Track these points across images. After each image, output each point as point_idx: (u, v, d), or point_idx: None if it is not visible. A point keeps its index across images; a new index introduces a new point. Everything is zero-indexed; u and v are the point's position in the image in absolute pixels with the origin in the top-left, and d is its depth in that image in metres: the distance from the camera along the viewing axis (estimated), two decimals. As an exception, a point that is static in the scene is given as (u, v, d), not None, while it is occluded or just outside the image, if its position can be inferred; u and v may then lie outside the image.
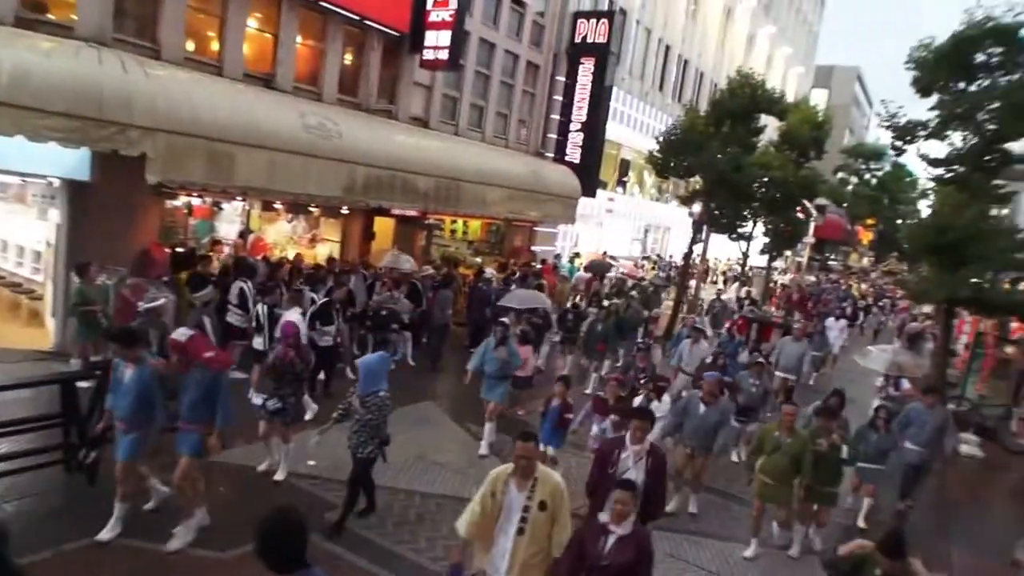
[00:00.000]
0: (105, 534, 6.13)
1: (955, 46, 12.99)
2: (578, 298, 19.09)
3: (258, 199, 13.53)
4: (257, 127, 11.34)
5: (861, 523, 9.02)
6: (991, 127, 13.03)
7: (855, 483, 9.14)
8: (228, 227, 14.09)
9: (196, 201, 13.05)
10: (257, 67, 13.08)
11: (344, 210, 15.34)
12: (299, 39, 13.77)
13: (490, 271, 16.89)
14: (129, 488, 6.28)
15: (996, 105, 12.80)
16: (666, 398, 9.14)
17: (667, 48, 30.16)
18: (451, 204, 16.11)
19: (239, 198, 13.15)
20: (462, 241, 21.02)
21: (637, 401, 9.00)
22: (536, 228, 22.09)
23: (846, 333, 19.18)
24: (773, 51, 41.73)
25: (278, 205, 14.43)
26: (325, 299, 11.01)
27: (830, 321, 19.21)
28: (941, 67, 13.27)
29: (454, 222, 20.38)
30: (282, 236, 15.34)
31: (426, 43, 15.60)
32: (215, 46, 12.41)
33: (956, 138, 13.76)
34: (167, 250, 11.92)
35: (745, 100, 20.15)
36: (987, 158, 13.52)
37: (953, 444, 9.69)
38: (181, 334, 6.29)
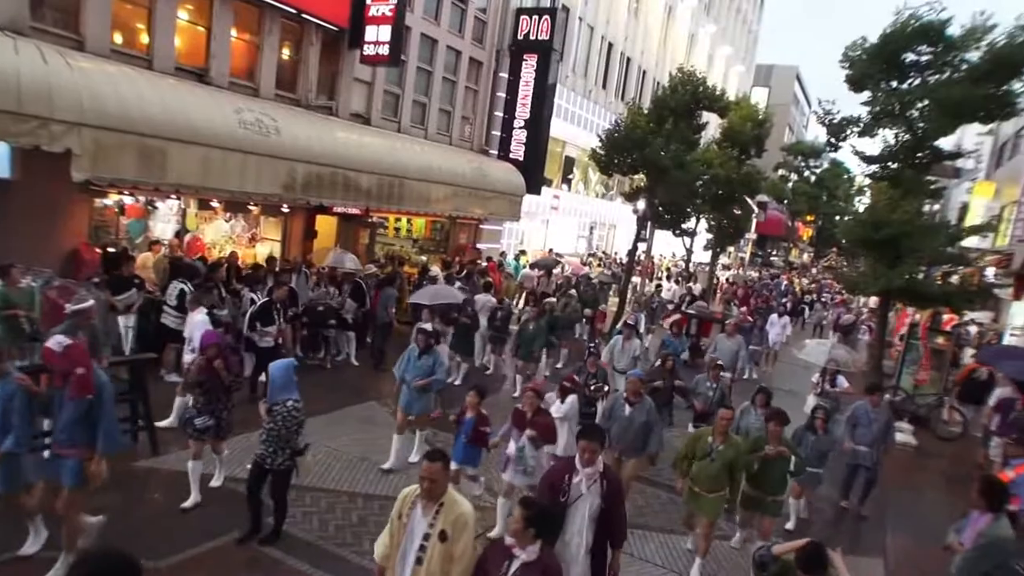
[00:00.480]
0: (28, 548, 5.84)
1: (885, 46, 13.35)
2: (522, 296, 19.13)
3: (193, 197, 13.14)
4: (190, 123, 11.00)
5: (803, 514, 9.02)
6: (921, 125, 13.41)
7: (796, 490, 8.76)
8: (164, 226, 13.63)
9: (128, 199, 12.60)
10: (189, 61, 12.70)
11: (284, 208, 15.05)
12: (234, 32, 13.40)
13: (435, 269, 16.76)
14: (35, 506, 5.85)
15: (925, 103, 13.19)
16: (570, 399, 8.59)
17: (610, 45, 30.37)
18: (394, 202, 15.91)
19: (173, 196, 12.75)
20: (406, 239, 20.83)
21: (553, 408, 8.52)
22: (481, 225, 22.03)
23: (789, 329, 19.07)
24: (714, 50, 42.41)
25: (215, 203, 14.03)
26: (266, 299, 10.77)
27: (773, 318, 19.17)
28: (874, 66, 13.61)
29: (398, 220, 20.19)
30: (220, 235, 14.92)
31: (366, 38, 15.39)
32: (144, 38, 11.99)
33: (889, 135, 14.14)
34: (97, 250, 11.49)
35: (687, 97, 20.39)
36: (919, 155, 13.92)
37: (892, 439, 9.82)
38: (56, 343, 5.48)
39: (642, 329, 15.79)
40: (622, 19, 30.82)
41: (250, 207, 14.77)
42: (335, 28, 15.24)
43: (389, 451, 8.90)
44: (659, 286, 22.45)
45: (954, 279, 14.84)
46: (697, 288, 26.34)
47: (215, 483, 7.56)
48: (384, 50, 15.30)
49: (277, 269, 13.07)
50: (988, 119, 14.32)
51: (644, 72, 34.35)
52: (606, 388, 10.01)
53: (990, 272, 24.62)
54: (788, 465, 7.33)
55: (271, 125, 12.47)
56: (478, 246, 21.76)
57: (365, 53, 15.57)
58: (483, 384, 8.45)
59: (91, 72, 9.95)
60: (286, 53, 14.74)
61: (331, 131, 14.57)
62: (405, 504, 4.45)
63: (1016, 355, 13.74)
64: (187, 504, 7.02)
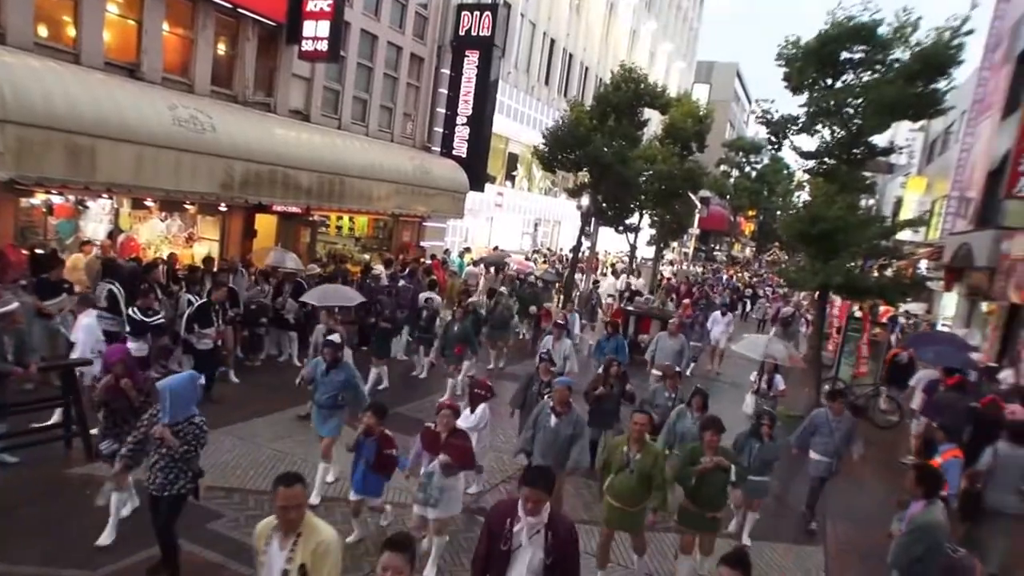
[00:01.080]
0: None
1: (822, 47, 13.75)
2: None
3: (126, 196, 12.77)
4: (121, 119, 10.72)
5: (746, 540, 8.25)
6: (856, 122, 13.84)
7: (738, 499, 8.18)
8: (96, 226, 13.21)
9: (57, 199, 12.17)
10: (120, 55, 12.34)
11: (222, 207, 14.73)
12: (166, 27, 13.06)
13: (378, 268, 16.64)
14: None
15: (860, 101, 13.62)
16: (481, 408, 7.98)
17: (552, 42, 30.52)
18: (335, 200, 15.78)
19: (105, 195, 12.37)
20: (349, 237, 20.62)
21: (465, 416, 7.79)
22: (425, 223, 21.93)
23: (732, 327, 18.52)
24: (655, 47, 42.99)
25: (150, 203, 13.67)
26: (203, 300, 10.55)
27: (716, 315, 18.55)
28: (809, 64, 13.99)
29: (340, 218, 19.95)
30: (156, 235, 14.53)
31: (304, 34, 15.20)
32: (71, 31, 11.60)
33: (825, 132, 14.54)
34: (24, 252, 11.08)
35: (628, 94, 20.66)
36: (854, 151, 14.36)
37: (859, 450, 9.13)
38: None
39: (577, 329, 15.51)
40: (564, 16, 31.01)
41: (186, 206, 14.43)
42: (272, 23, 14.98)
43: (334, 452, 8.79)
44: (596, 283, 22.52)
45: (889, 272, 15.31)
46: (640, 283, 26.67)
47: (104, 540, 6.35)
48: (323, 46, 15.13)
49: (215, 269, 12.80)
50: (918, 117, 14.86)
51: (586, 68, 34.63)
52: None
53: (923, 264, 25.58)
54: (728, 476, 6.65)
55: (207, 122, 12.22)
56: (422, 244, 21.66)
57: (303, 49, 15.37)
58: (381, 401, 7.18)
59: (13, 66, 9.60)
60: (222, 48, 14.44)
61: (269, 128, 14.34)
62: (261, 540, 4.03)
63: (937, 340, 14.38)
64: (124, 512, 6.78)
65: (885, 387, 15.48)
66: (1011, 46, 20.43)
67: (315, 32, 15.09)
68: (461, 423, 7.42)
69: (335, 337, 9.33)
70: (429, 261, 18.85)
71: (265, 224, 16.17)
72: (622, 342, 13.20)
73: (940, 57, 12.97)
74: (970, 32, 12.98)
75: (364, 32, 18.31)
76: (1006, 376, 13.52)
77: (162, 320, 9.95)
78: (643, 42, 40.75)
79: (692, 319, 17.27)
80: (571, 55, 32.78)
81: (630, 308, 18.69)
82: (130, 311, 9.73)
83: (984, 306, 19.16)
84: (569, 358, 11.36)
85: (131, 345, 9.64)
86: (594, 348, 13.49)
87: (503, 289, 17.02)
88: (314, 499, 7.51)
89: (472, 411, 8.00)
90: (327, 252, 18.61)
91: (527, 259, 26.69)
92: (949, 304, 24.43)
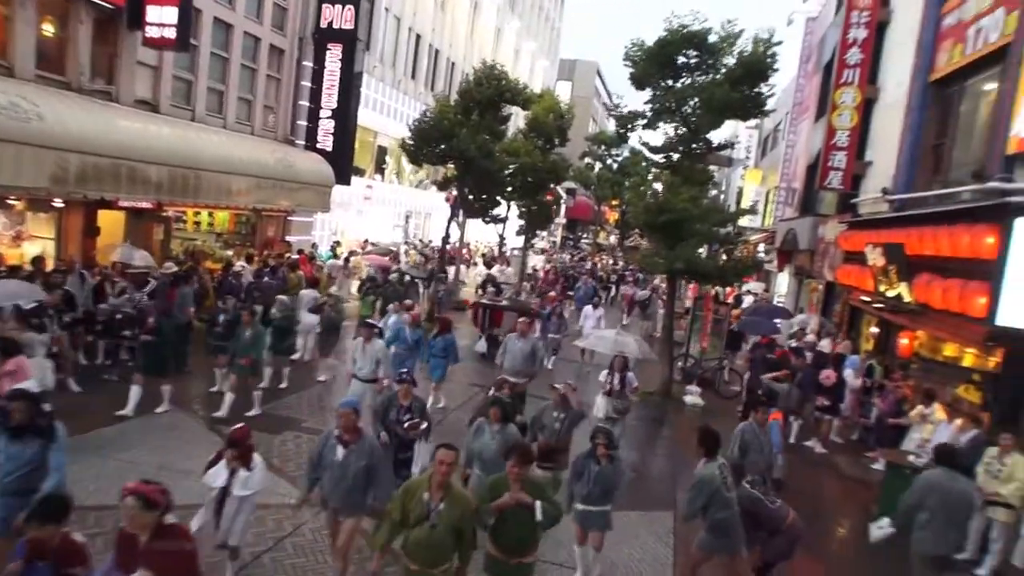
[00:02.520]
0: None
1: (660, 48, 14.67)
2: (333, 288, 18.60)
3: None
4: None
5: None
6: (694, 120, 14.88)
7: (578, 535, 7.00)
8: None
9: None
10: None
11: (57, 203, 13.60)
12: (-25, 3, 11.89)
13: (241, 264, 15.97)
14: None
15: (695, 101, 14.64)
16: (259, 464, 6.15)
17: (418, 37, 30.41)
18: (190, 194, 14.99)
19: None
20: (209, 233, 19.65)
21: (214, 473, 5.99)
22: (290, 218, 21.27)
23: (603, 322, 17.45)
24: (520, 44, 43.67)
25: (-35, 199, 12.42)
26: (35, 305, 9.70)
27: (587, 309, 17.95)
28: (651, 65, 14.89)
29: (197, 213, 18.97)
30: (-26, 235, 13.22)
31: (148, 19, 14.24)
32: None
33: (669, 128, 15.61)
34: None
35: (491, 90, 20.95)
36: (693, 146, 15.48)
37: (782, 463, 8.93)
38: None
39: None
40: (429, 12, 30.94)
41: (11, 201, 13.14)
42: (109, 6, 13.92)
43: (193, 456, 8.08)
44: (443, 275, 22.32)
45: (736, 255, 16.71)
46: (509, 272, 27.08)
47: None
48: (170, 33, 14.25)
49: (47, 270, 11.76)
50: (745, 117, 16.46)
51: (453, 64, 34.72)
52: (424, 424, 7.71)
53: (761, 248, 28.46)
54: (535, 514, 5.39)
55: (31, 110, 11.18)
56: (287, 239, 20.99)
57: (148, 35, 14.42)
58: (60, 494, 4.58)
59: None
60: (49, 30, 13.26)
61: (111, 118, 13.41)
62: None
63: (760, 313, 17.10)
64: None
65: (727, 358, 17.28)
66: (819, 58, 23.35)
67: (160, 18, 14.17)
68: (239, 491, 5.91)
69: (31, 385, 6.51)
70: (296, 256, 18.28)
71: (110, 221, 15.07)
72: (452, 340, 12.15)
73: (759, 64, 14.33)
74: (779, 43, 14.42)
75: (218, 20, 17.45)
76: (824, 345, 15.27)
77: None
78: (507, 40, 41.32)
79: (551, 310, 17.21)
80: (437, 51, 32.76)
81: (484, 301, 18.03)
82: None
83: (809, 284, 21.61)
84: (382, 362, 9.97)
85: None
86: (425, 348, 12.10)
87: (333, 290, 16.40)
88: None
89: (247, 468, 6.01)
90: (184, 249, 17.63)
91: (389, 255, 26.06)
92: (783, 283, 27.57)
